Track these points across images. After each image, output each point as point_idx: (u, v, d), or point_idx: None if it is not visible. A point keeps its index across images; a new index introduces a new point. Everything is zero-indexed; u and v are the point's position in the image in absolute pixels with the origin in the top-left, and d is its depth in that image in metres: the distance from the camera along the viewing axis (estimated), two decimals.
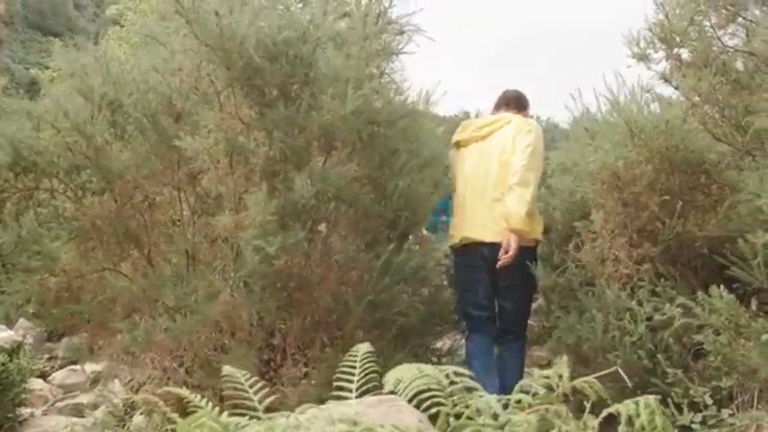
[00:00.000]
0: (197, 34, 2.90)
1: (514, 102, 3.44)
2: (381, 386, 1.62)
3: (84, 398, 4.34)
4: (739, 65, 3.36)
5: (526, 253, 3.08)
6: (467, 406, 1.46)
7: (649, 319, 2.88)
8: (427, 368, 1.55)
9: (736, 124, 3.21)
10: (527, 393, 1.52)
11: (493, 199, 3.12)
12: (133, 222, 3.21)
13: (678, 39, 3.43)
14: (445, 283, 3.84)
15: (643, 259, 3.07)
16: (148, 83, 3.21)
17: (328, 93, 2.93)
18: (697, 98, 3.35)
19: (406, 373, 1.53)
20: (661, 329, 2.83)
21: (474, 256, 3.18)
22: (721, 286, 2.66)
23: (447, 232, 3.47)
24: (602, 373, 1.66)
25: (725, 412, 2.57)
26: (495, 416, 1.44)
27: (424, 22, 3.39)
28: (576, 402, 1.57)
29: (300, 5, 3.84)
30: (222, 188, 3.00)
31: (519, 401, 1.49)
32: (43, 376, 5.12)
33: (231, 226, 2.83)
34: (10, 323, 5.10)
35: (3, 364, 3.74)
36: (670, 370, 2.72)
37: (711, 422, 2.56)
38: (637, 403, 1.37)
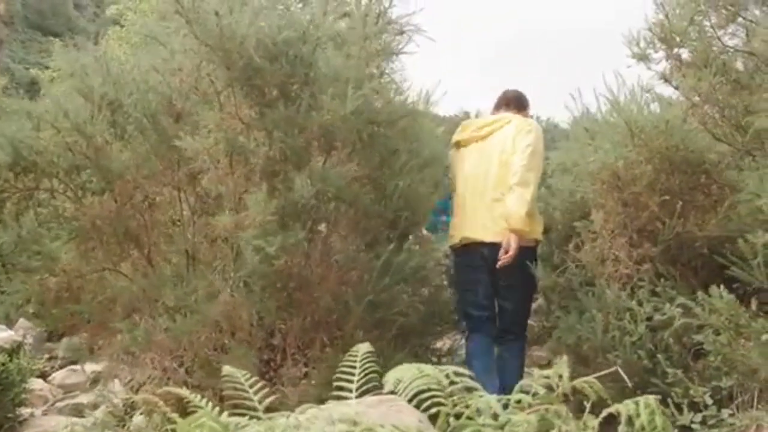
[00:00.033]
0: (197, 34, 2.90)
1: (514, 102, 3.44)
2: (381, 386, 1.62)
3: (84, 398, 4.33)
4: (739, 65, 3.36)
5: (526, 253, 3.08)
6: (467, 406, 1.46)
7: (649, 319, 2.88)
8: (427, 368, 1.55)
9: (736, 124, 3.21)
10: (527, 393, 1.52)
11: (493, 199, 3.12)
12: (133, 222, 3.21)
13: (678, 39, 3.43)
14: (445, 283, 3.84)
15: (643, 259, 3.07)
16: (148, 83, 3.21)
17: (328, 93, 2.92)
18: (697, 98, 3.35)
19: (406, 373, 1.53)
20: (661, 329, 2.83)
21: (474, 256, 3.18)
22: (721, 286, 2.66)
23: (447, 232, 3.47)
24: (602, 373, 1.67)
25: (725, 412, 2.57)
26: (495, 416, 1.44)
27: (424, 22, 3.40)
28: (576, 402, 1.57)
29: (300, 5, 3.84)
30: (222, 188, 3.00)
31: (519, 401, 1.49)
32: (43, 376, 5.12)
33: (231, 226, 2.83)
34: (10, 323, 5.10)
35: (3, 364, 3.74)
36: (670, 370, 2.72)
37: (711, 422, 2.56)
38: (637, 403, 1.37)
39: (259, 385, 1.67)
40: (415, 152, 3.33)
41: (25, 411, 4.01)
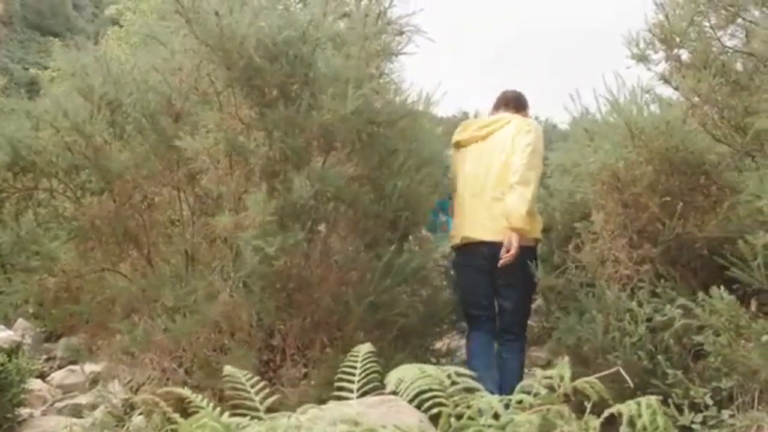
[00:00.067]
0: (197, 34, 2.90)
1: (514, 102, 3.45)
2: (382, 387, 1.61)
3: (83, 398, 4.33)
4: (738, 66, 3.36)
5: (527, 252, 3.08)
6: (469, 407, 1.46)
7: (649, 320, 2.88)
8: (429, 368, 1.54)
9: (736, 125, 3.22)
10: (529, 393, 1.52)
11: (493, 199, 3.12)
12: (132, 222, 3.20)
13: (678, 40, 3.44)
14: (445, 283, 3.84)
15: (643, 260, 3.07)
16: (147, 83, 3.20)
17: (328, 93, 2.92)
18: (696, 99, 3.35)
19: (407, 374, 1.53)
20: (661, 330, 2.83)
21: (474, 255, 3.18)
22: (721, 287, 2.67)
23: (446, 232, 3.47)
24: (603, 373, 1.66)
25: (725, 413, 2.58)
26: (497, 416, 1.44)
27: (424, 23, 3.40)
28: (576, 402, 1.56)
29: (300, 5, 3.84)
30: (222, 188, 3.00)
31: (521, 401, 1.49)
32: (42, 376, 5.11)
33: (230, 227, 2.83)
34: (8, 323, 5.10)
35: (2, 365, 3.73)
36: (670, 371, 2.72)
37: (711, 423, 2.56)
38: (638, 404, 1.36)
39: (261, 385, 1.66)
40: (414, 152, 3.33)
41: (24, 411, 4.00)
